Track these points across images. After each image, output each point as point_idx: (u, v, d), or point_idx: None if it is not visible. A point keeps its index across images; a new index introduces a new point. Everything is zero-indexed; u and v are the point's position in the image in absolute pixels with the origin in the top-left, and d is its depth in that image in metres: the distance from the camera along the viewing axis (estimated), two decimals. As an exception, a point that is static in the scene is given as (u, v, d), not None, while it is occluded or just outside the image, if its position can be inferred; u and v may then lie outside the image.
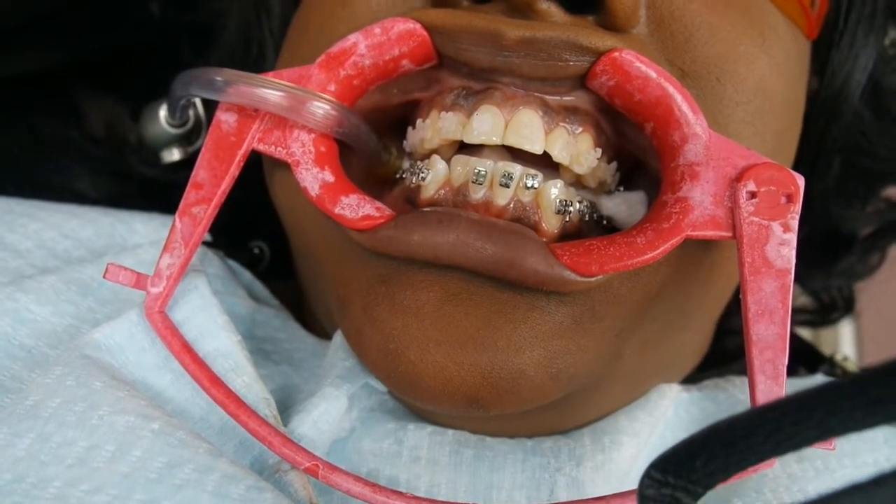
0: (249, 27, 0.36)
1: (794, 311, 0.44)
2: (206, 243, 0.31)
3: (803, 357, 0.40)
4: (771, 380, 0.20)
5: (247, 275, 0.32)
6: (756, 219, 0.21)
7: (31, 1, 0.40)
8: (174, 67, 0.29)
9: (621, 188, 0.26)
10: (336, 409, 0.24)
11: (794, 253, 0.21)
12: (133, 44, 0.46)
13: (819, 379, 0.33)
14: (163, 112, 0.31)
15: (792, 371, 0.37)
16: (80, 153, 0.37)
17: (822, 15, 0.29)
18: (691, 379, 0.31)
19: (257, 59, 0.35)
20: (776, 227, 0.21)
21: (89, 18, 0.43)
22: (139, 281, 0.23)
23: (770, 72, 0.24)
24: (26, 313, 0.25)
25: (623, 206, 0.26)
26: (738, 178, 0.21)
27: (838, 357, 0.38)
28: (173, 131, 0.31)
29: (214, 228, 0.31)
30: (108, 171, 0.37)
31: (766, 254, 0.21)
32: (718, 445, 0.14)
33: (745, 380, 0.32)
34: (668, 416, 0.28)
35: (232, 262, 0.32)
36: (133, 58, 0.47)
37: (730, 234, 0.21)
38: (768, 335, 0.20)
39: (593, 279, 0.21)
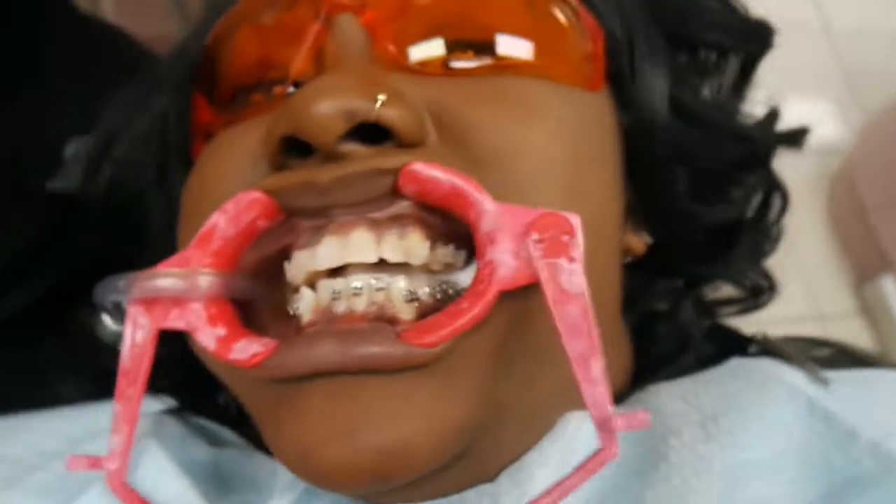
0: (169, 220, 0.42)
1: (722, 302, 0.47)
2: (165, 410, 0.36)
3: (734, 344, 0.43)
4: (590, 384, 0.24)
5: (212, 426, 0.37)
6: (546, 260, 0.25)
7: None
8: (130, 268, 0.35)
9: (475, 259, 0.31)
10: None
11: (583, 278, 0.25)
12: (93, 256, 0.54)
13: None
14: (105, 315, 0.37)
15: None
16: (62, 369, 0.43)
17: (603, 67, 0.35)
18: (624, 396, 0.35)
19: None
20: (563, 261, 0.25)
21: (44, 259, 0.50)
22: (95, 463, 0.28)
23: (545, 139, 0.29)
24: None
25: None
26: (526, 232, 0.26)
27: (759, 336, 0.41)
28: (119, 328, 0.37)
29: (182, 391, 0.37)
30: (88, 377, 0.43)
31: (561, 285, 0.25)
32: None
33: (660, 386, 0.35)
34: (585, 439, 0.31)
35: (198, 419, 0.38)
36: (100, 267, 0.54)
37: (534, 279, 0.26)
38: (581, 348, 0.24)
39: (437, 348, 0.26)
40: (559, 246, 0.25)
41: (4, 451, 0.35)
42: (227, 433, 0.38)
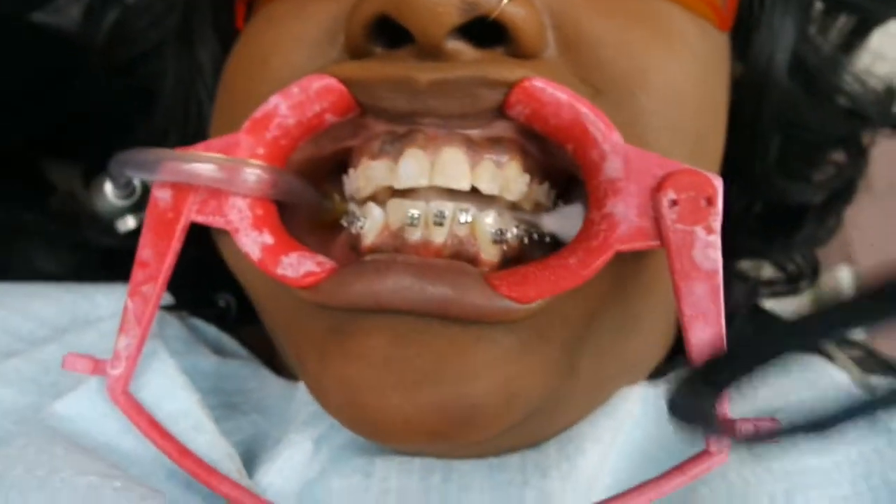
0: (185, 87, 0.36)
1: (762, 283, 0.45)
2: (165, 307, 0.32)
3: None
4: (712, 380, 0.21)
5: (212, 330, 0.33)
6: (680, 226, 0.21)
7: None
8: (128, 133, 0.29)
9: (560, 202, 0.26)
10: (301, 454, 0.25)
11: (719, 254, 0.21)
12: (86, 112, 0.47)
13: None
14: (108, 186, 0.31)
15: None
16: (37, 232, 0.38)
17: (734, 5, 0.30)
18: (661, 372, 0.32)
19: (197, 120, 0.35)
20: (699, 231, 0.21)
21: (35, 95, 0.43)
22: (98, 367, 0.24)
23: (681, 76, 0.25)
24: None
25: (563, 221, 0.26)
26: (659, 187, 0.22)
27: None
28: (122, 203, 0.32)
29: (179, 288, 0.31)
30: (67, 246, 0.38)
31: (693, 258, 0.21)
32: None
33: None
34: (635, 415, 0.28)
35: (196, 321, 0.33)
36: (89, 125, 0.48)
37: (658, 243, 0.22)
38: (706, 336, 0.21)
39: (533, 305, 0.22)
40: (697, 211, 0.21)
41: None
42: (227, 340, 0.33)
